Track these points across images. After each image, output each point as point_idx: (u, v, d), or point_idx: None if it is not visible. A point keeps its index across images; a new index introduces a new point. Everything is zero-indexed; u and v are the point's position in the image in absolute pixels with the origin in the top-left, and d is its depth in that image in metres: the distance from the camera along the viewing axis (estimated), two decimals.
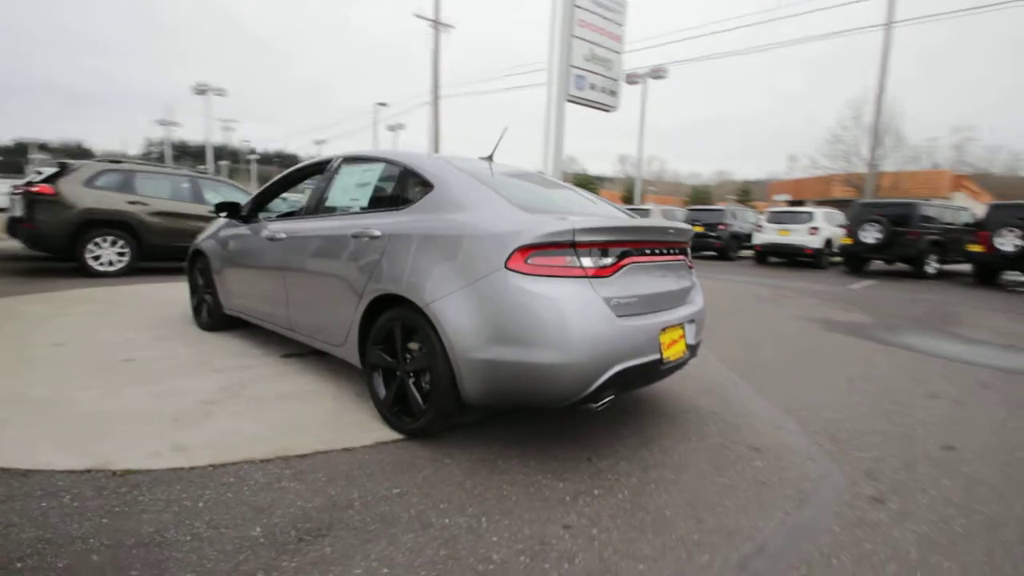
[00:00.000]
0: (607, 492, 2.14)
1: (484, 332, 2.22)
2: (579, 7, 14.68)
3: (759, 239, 14.96)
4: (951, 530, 1.98)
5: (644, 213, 18.87)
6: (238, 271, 3.95)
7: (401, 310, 2.54)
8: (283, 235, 3.39)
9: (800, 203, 30.04)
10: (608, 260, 2.28)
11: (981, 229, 11.08)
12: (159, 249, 7.47)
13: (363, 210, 3.02)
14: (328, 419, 2.74)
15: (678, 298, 2.71)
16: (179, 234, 7.31)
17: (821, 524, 1.99)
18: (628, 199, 52.84)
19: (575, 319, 2.13)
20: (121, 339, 4.03)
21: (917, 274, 12.15)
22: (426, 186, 2.69)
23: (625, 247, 2.36)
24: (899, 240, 11.88)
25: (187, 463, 2.20)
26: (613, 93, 19.92)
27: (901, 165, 32.03)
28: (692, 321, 2.72)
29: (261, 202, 4.07)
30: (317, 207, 3.32)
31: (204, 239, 4.45)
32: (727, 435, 2.77)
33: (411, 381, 2.55)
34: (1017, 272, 11.12)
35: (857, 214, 12.81)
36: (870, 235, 12.15)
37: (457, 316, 2.27)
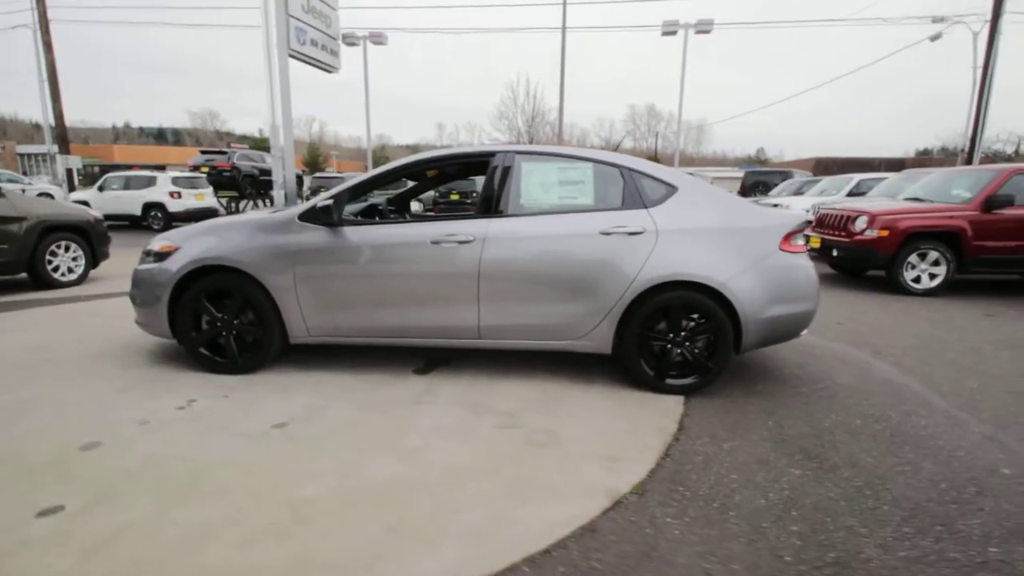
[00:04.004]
0: (829, 393, 3.36)
1: (767, 297, 3.05)
2: None
3: None
4: (913, 358, 4.02)
5: (340, 182, 18.63)
6: (349, 283, 3.19)
7: (678, 292, 3.04)
8: (470, 238, 3.07)
9: None
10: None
11: None
12: None
13: (591, 209, 3.15)
14: (635, 402, 3.00)
15: None
16: None
17: (883, 372, 3.71)
18: (312, 165, 49.79)
19: (815, 279, 3.19)
20: (174, 409, 2.75)
21: None
22: (669, 187, 3.15)
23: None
24: None
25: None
26: (334, 53, 18.83)
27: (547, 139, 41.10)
28: None
29: (349, 201, 3.29)
30: (498, 205, 3.16)
31: (231, 251, 3.20)
32: (802, 348, 4.30)
33: (681, 350, 3.11)
34: None
35: None
36: None
37: (747, 289, 3.01)
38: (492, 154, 3.28)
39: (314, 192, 18.65)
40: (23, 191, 18.33)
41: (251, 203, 19.03)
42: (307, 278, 3.20)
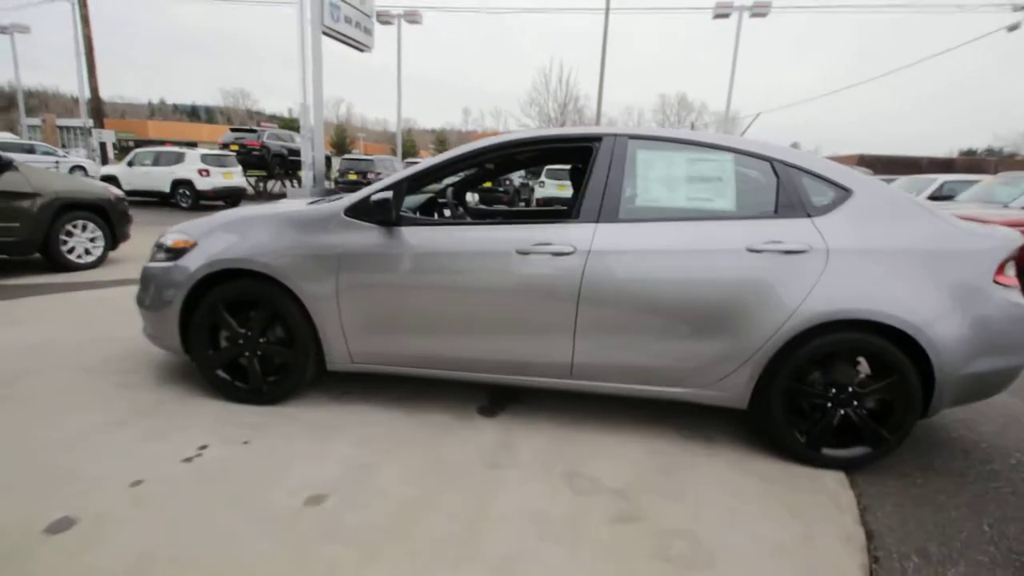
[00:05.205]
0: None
1: (974, 347, 2.23)
2: None
3: (540, 193, 16.61)
4: None
5: (369, 164, 17.23)
6: (407, 299, 2.48)
7: (849, 335, 2.24)
8: (570, 249, 2.32)
9: None
10: None
11: None
12: None
13: (733, 216, 2.36)
14: (783, 479, 2.23)
15: None
16: None
17: None
18: (340, 147, 49.55)
19: None
20: (179, 461, 2.08)
21: None
22: (840, 190, 2.34)
23: None
24: None
25: None
26: (368, 31, 18.20)
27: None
28: None
29: (409, 193, 2.57)
30: (606, 207, 2.38)
31: (258, 251, 2.52)
32: None
33: (847, 411, 2.31)
34: None
35: None
36: None
37: (949, 334, 2.20)
38: (597, 138, 2.50)
39: (343, 174, 17.93)
40: (56, 164, 18.29)
41: (279, 183, 18.59)
42: (353, 290, 2.49)
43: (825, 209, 2.33)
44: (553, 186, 16.29)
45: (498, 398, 2.90)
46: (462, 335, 2.49)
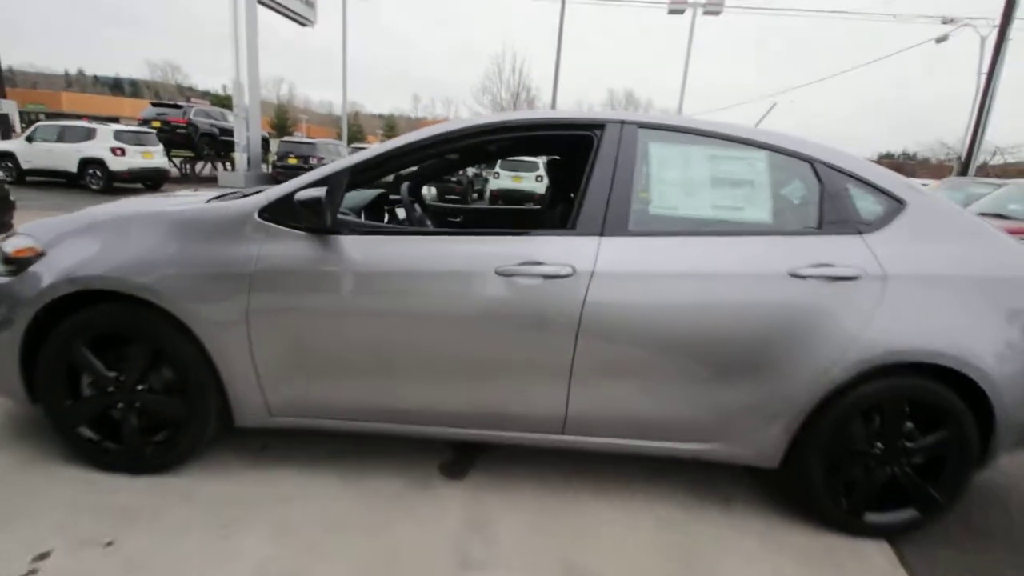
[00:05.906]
0: None
1: None
2: None
3: (495, 185, 15.95)
4: None
5: (311, 148, 15.61)
6: (346, 331, 1.84)
7: (901, 380, 1.83)
8: (566, 270, 1.76)
9: None
10: None
11: None
12: None
13: (768, 230, 1.87)
14: (827, 560, 1.78)
15: None
16: None
17: None
18: (280, 128, 46.83)
19: None
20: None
21: None
22: (892, 201, 1.90)
23: None
24: None
25: None
26: (309, 3, 16.90)
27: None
28: None
29: (350, 189, 1.92)
30: (611, 215, 1.84)
31: (133, 265, 1.80)
32: None
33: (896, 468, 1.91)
34: None
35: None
36: None
37: (1011, 376, 1.82)
38: (599, 125, 1.94)
39: (281, 158, 16.41)
40: None
41: (209, 165, 16.99)
42: (271, 322, 1.84)
43: (876, 225, 1.88)
44: (508, 178, 15.65)
45: (464, 449, 2.32)
46: (422, 380, 1.89)
